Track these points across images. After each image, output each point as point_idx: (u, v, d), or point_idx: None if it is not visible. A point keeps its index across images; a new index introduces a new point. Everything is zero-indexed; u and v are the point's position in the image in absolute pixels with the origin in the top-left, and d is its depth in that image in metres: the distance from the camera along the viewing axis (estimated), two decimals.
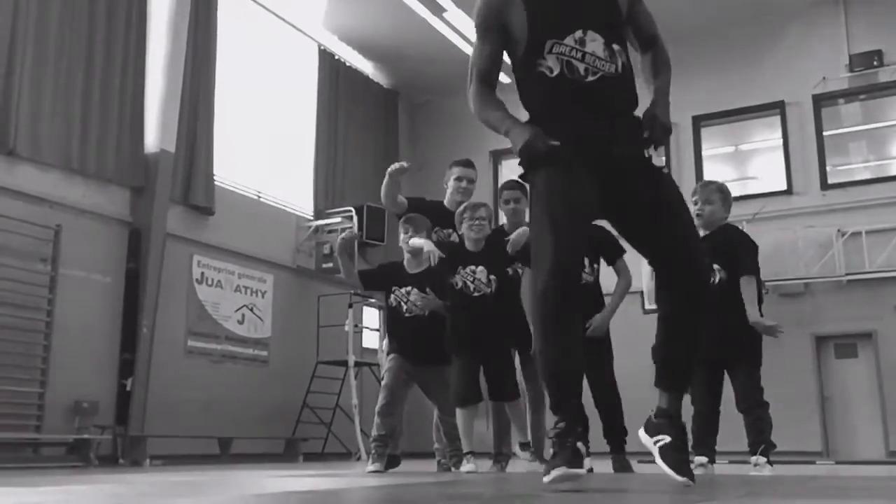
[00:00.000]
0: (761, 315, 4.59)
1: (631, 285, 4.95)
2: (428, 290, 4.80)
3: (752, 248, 4.74)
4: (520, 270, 4.99)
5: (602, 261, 4.89)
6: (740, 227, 5.24)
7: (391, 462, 4.96)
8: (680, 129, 11.55)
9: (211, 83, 9.98)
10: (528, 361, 5.17)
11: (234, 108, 10.61)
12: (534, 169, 2.57)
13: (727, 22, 11.43)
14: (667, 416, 2.62)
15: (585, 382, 4.78)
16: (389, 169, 4.99)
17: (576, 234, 2.46)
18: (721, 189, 4.73)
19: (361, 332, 11.24)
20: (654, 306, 10.91)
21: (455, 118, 13.49)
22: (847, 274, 10.79)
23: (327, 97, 12.13)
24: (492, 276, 4.78)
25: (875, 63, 11.15)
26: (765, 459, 4.55)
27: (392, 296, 4.85)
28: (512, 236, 4.96)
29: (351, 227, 10.89)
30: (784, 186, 11.60)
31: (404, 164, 5.01)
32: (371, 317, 11.74)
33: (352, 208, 11.26)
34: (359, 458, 9.70)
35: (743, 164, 12.77)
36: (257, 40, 11.25)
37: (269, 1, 11.26)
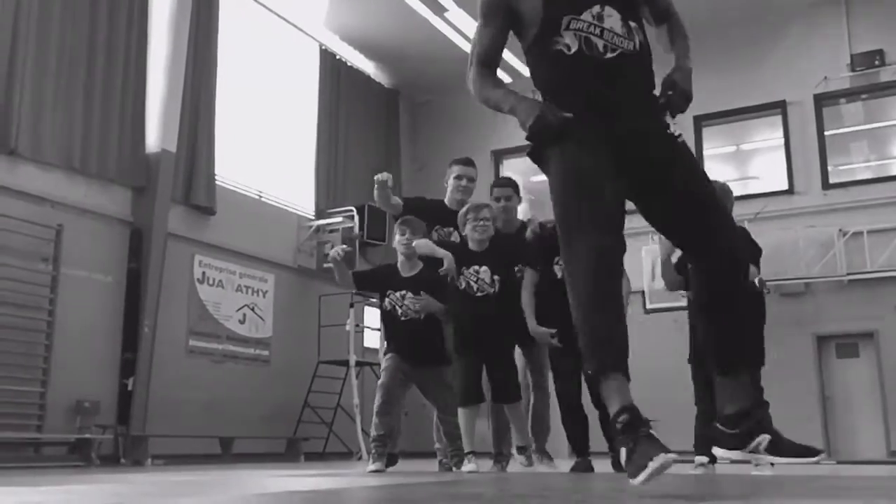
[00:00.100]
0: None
1: (630, 289, 4.95)
2: (422, 292, 4.76)
3: (755, 251, 4.76)
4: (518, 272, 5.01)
5: None
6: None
7: (389, 461, 4.96)
8: (680, 128, 11.55)
9: (212, 83, 9.99)
10: (532, 354, 5.19)
11: (236, 107, 10.61)
12: (546, 146, 2.43)
13: (728, 22, 11.42)
14: (747, 416, 2.37)
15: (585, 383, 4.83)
16: (375, 178, 4.96)
17: (606, 200, 2.29)
18: (723, 188, 4.73)
19: (363, 331, 11.24)
20: (654, 306, 10.95)
21: (456, 118, 13.50)
22: (848, 274, 10.79)
23: (328, 97, 12.13)
24: (495, 277, 4.79)
25: (876, 63, 11.15)
26: (765, 460, 4.55)
27: (387, 299, 4.83)
28: (529, 230, 4.99)
29: (350, 231, 10.96)
30: (785, 186, 11.60)
31: (389, 179, 4.98)
32: (372, 316, 11.74)
33: (353, 208, 11.27)
34: (360, 458, 9.70)
35: (744, 164, 12.76)
36: (258, 40, 11.25)
37: (270, 0, 11.26)
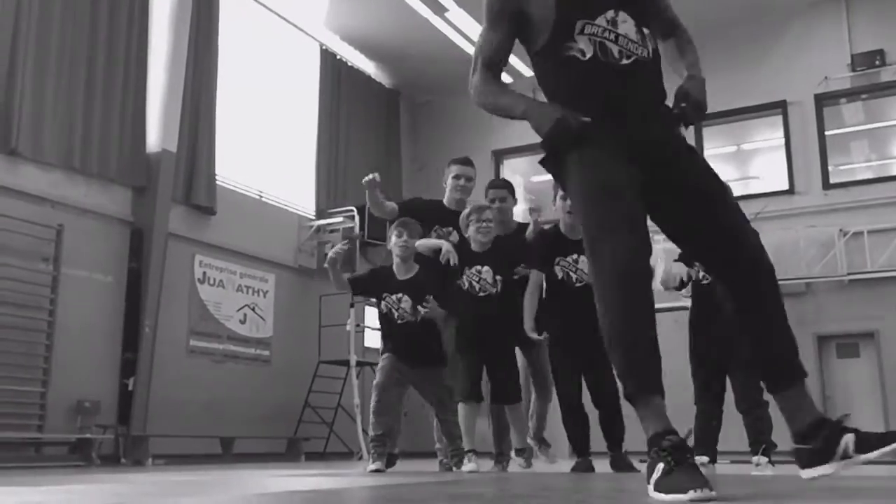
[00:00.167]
0: None
1: None
2: (430, 298, 4.73)
3: None
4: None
5: None
6: None
7: (388, 461, 4.96)
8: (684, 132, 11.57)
9: (213, 83, 9.99)
10: (531, 355, 5.20)
11: (236, 107, 10.62)
12: (565, 151, 2.34)
13: (729, 21, 11.42)
14: (820, 425, 2.21)
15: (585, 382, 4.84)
16: (363, 182, 4.97)
17: (630, 203, 2.19)
18: None
19: (363, 331, 11.24)
20: (655, 306, 10.94)
21: (457, 118, 13.50)
22: (849, 274, 10.78)
23: (329, 97, 12.14)
24: (497, 277, 4.80)
25: (877, 62, 11.14)
26: (766, 459, 4.55)
27: (383, 303, 4.81)
28: (529, 229, 5.00)
29: (351, 231, 10.95)
30: (786, 186, 11.60)
31: (375, 176, 4.97)
32: (373, 316, 11.67)
33: (353, 208, 11.27)
34: (360, 458, 9.70)
35: (745, 164, 12.76)
36: (259, 40, 11.25)
37: (270, 0, 11.27)
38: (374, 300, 5.06)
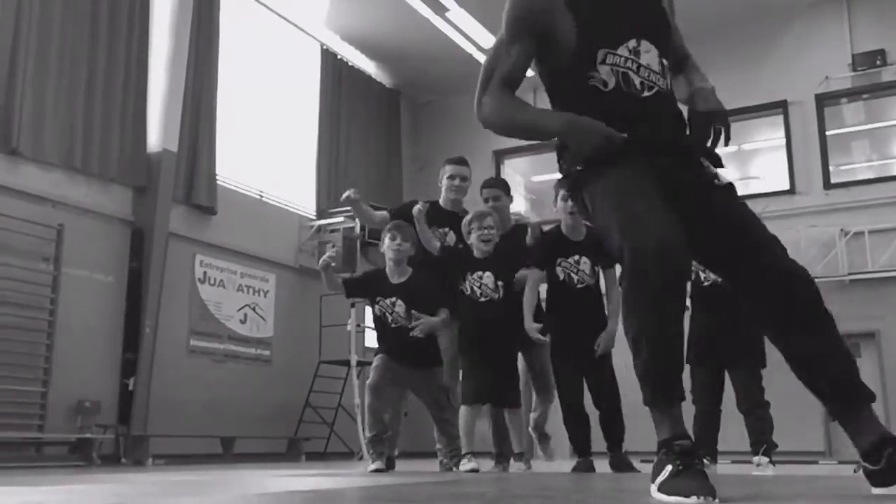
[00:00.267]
0: None
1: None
2: (414, 312, 4.72)
3: None
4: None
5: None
6: None
7: (386, 464, 4.94)
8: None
9: (213, 83, 9.99)
10: (532, 358, 5.20)
11: (237, 107, 10.62)
12: (594, 166, 2.24)
13: (729, 21, 11.42)
14: (885, 444, 2.01)
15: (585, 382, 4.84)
16: (342, 199, 4.95)
17: (665, 208, 2.08)
18: None
19: (364, 331, 11.24)
20: None
21: (457, 118, 13.48)
22: (850, 274, 10.78)
23: (330, 97, 12.14)
24: (499, 282, 4.80)
25: (878, 62, 11.14)
26: (767, 459, 4.56)
27: (377, 306, 4.81)
28: (529, 233, 5.00)
29: (351, 231, 10.95)
30: (787, 186, 11.59)
31: (351, 193, 4.96)
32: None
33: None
34: (361, 458, 9.70)
35: (745, 164, 12.75)
36: (260, 40, 11.25)
37: (271, 0, 11.27)
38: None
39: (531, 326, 4.70)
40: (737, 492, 2.20)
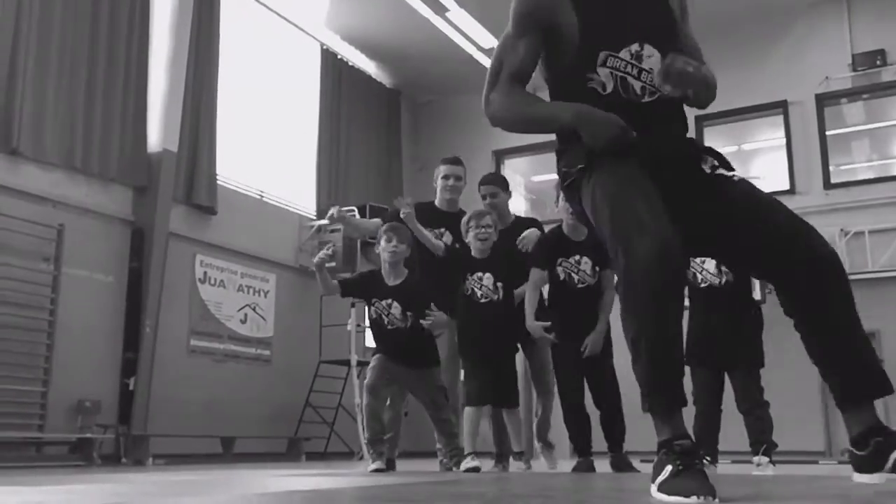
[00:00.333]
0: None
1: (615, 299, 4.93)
2: (433, 306, 4.70)
3: None
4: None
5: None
6: None
7: (386, 465, 4.93)
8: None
9: (213, 83, 9.99)
10: (533, 355, 5.20)
11: (237, 107, 10.62)
12: (593, 165, 2.23)
13: (729, 21, 11.41)
14: (879, 432, 2.08)
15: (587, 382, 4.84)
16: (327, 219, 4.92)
17: (661, 206, 2.06)
18: None
19: (364, 331, 11.24)
20: None
21: (458, 118, 13.49)
22: (850, 273, 10.69)
23: (330, 97, 12.14)
24: (498, 283, 4.80)
25: (878, 62, 11.14)
26: (767, 459, 4.56)
27: (373, 308, 4.80)
28: (525, 233, 4.99)
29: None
30: (787, 186, 11.59)
31: (334, 211, 4.92)
32: None
33: (354, 208, 11.23)
34: (361, 458, 9.70)
35: (746, 164, 12.74)
36: (260, 40, 11.25)
37: (271, 0, 11.27)
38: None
39: (534, 325, 4.70)
40: (737, 492, 2.20)
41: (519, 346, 5.09)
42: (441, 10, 11.04)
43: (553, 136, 2.47)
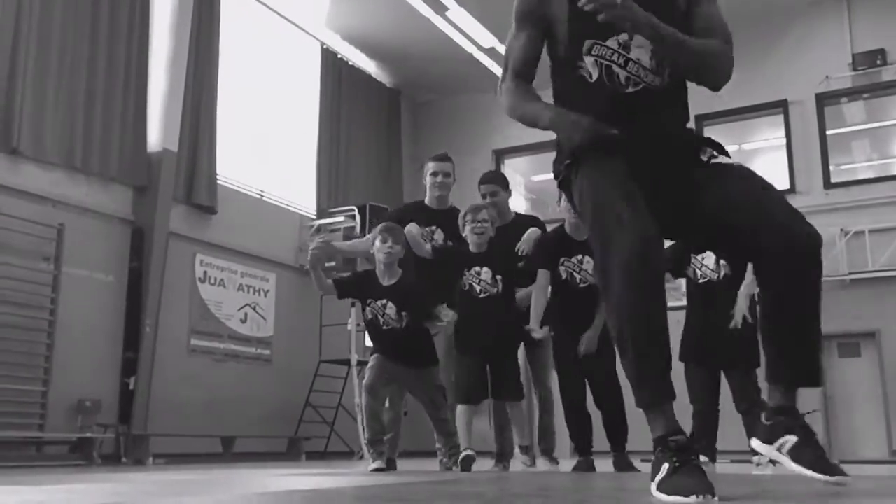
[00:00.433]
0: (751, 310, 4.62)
1: None
2: (444, 307, 4.70)
3: None
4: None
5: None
6: None
7: (387, 465, 4.93)
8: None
9: (214, 82, 10.00)
10: (534, 354, 5.20)
11: (237, 107, 10.62)
12: (579, 161, 2.26)
13: (729, 21, 11.35)
14: (786, 413, 2.18)
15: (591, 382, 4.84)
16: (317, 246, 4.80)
17: (642, 203, 2.08)
18: None
19: (364, 330, 11.24)
20: None
21: (458, 117, 13.50)
22: (850, 273, 10.78)
23: (330, 96, 12.14)
24: (497, 277, 4.79)
25: (878, 62, 11.14)
26: (767, 459, 4.55)
27: (368, 308, 4.78)
28: (525, 236, 4.98)
29: (352, 230, 10.95)
30: (787, 185, 11.59)
31: (318, 243, 4.86)
32: None
33: (354, 207, 11.27)
34: (361, 457, 9.70)
35: (746, 163, 12.45)
36: (260, 39, 11.26)
37: (271, 0, 11.27)
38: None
39: (537, 329, 4.70)
40: (737, 491, 2.20)
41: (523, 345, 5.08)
42: (441, 10, 11.04)
43: (553, 135, 2.49)
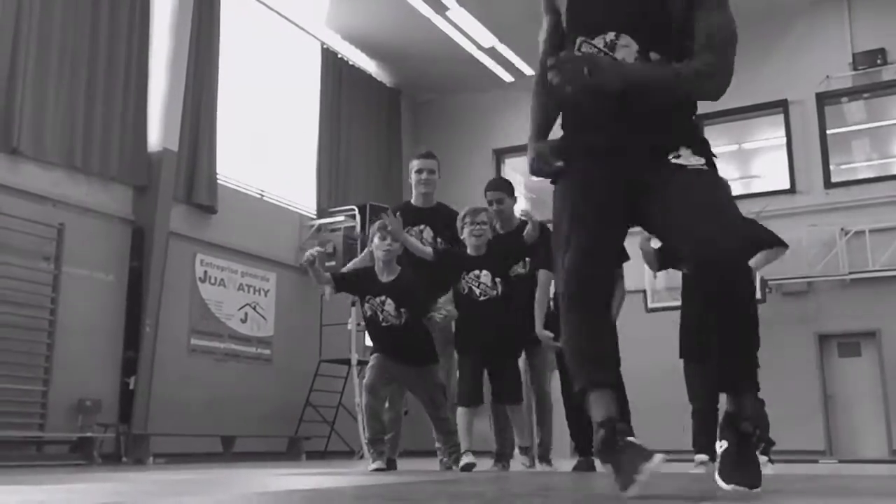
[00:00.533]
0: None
1: (625, 296, 4.93)
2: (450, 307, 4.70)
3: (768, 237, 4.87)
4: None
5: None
6: None
7: (387, 465, 4.93)
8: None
9: (214, 82, 9.99)
10: (534, 357, 5.19)
11: (237, 106, 10.62)
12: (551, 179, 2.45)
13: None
14: (726, 420, 2.27)
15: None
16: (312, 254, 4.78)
17: (593, 234, 2.26)
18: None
19: (364, 330, 11.24)
20: (655, 305, 10.94)
21: (458, 116, 13.50)
22: (850, 273, 10.78)
23: (330, 96, 12.14)
24: (497, 279, 4.79)
25: (878, 61, 11.14)
26: (766, 458, 4.55)
27: (367, 305, 4.78)
28: (527, 229, 4.97)
29: (352, 230, 10.96)
30: (787, 185, 11.59)
31: (313, 252, 4.83)
32: None
33: (354, 207, 11.28)
34: (361, 457, 9.70)
35: (746, 163, 12.75)
36: (260, 39, 11.25)
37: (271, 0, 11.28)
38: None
39: (543, 333, 4.70)
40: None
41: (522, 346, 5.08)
42: (441, 9, 11.04)
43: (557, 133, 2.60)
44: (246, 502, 2.41)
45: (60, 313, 7.86)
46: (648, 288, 11.07)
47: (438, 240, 5.06)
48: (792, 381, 10.04)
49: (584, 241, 2.26)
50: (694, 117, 2.50)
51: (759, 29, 11.67)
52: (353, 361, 10.35)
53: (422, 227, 5.08)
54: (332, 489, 3.16)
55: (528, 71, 12.44)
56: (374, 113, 13.10)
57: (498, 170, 13.40)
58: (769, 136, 12.21)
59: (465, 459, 4.56)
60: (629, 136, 2.29)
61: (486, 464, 4.95)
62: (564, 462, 5.41)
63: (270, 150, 11.23)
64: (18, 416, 7.55)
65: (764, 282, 10.16)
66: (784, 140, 11.77)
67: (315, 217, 11.67)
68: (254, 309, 10.44)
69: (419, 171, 5.18)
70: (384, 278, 4.75)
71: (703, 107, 2.56)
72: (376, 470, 4.65)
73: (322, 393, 10.53)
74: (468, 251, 4.86)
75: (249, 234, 10.42)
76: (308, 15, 11.74)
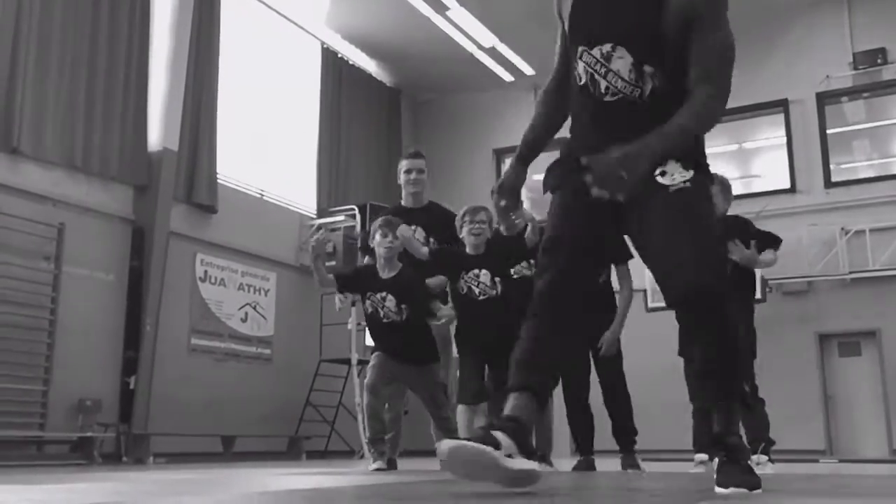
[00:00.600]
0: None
1: (633, 294, 4.93)
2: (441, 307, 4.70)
3: (761, 231, 4.88)
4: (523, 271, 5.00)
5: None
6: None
7: (388, 465, 4.92)
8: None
9: (214, 81, 9.99)
10: None
11: (237, 106, 10.62)
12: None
13: (730, 21, 11.40)
14: (715, 439, 2.34)
15: (594, 382, 4.83)
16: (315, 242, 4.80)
17: (568, 252, 2.37)
18: (721, 182, 4.75)
19: (364, 329, 11.24)
20: (655, 305, 10.94)
21: (458, 116, 13.50)
22: (851, 272, 10.78)
23: (330, 95, 12.14)
24: (496, 279, 4.78)
25: (879, 61, 11.14)
26: (766, 458, 4.55)
27: (368, 301, 4.79)
28: (527, 233, 4.96)
29: (352, 229, 10.95)
30: (787, 185, 11.59)
31: (319, 236, 4.84)
32: None
33: (355, 206, 11.27)
34: (362, 457, 9.70)
35: (746, 163, 12.75)
36: (260, 38, 11.25)
37: None
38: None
39: None
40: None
41: None
42: (441, 9, 11.04)
43: (556, 134, 2.69)
44: (246, 502, 2.41)
45: (61, 313, 7.86)
46: (648, 287, 11.06)
47: (431, 239, 5.05)
48: (792, 381, 10.05)
49: (562, 262, 2.37)
50: None
51: (759, 29, 11.68)
52: (354, 361, 10.35)
53: (414, 227, 5.07)
54: (333, 489, 3.16)
55: (529, 71, 12.44)
56: (374, 113, 13.10)
57: (498, 169, 13.40)
58: (769, 136, 12.21)
59: None
60: (611, 142, 2.24)
61: None
62: (564, 462, 5.40)
63: (270, 149, 11.23)
64: (19, 416, 7.56)
65: (764, 281, 10.16)
66: (784, 140, 11.78)
67: (315, 216, 11.68)
68: (254, 308, 10.45)
69: (408, 172, 5.17)
70: (385, 275, 4.76)
71: None
72: (377, 470, 4.64)
73: (322, 392, 10.53)
74: (467, 250, 4.85)
75: (249, 233, 10.42)
76: (308, 14, 11.74)
